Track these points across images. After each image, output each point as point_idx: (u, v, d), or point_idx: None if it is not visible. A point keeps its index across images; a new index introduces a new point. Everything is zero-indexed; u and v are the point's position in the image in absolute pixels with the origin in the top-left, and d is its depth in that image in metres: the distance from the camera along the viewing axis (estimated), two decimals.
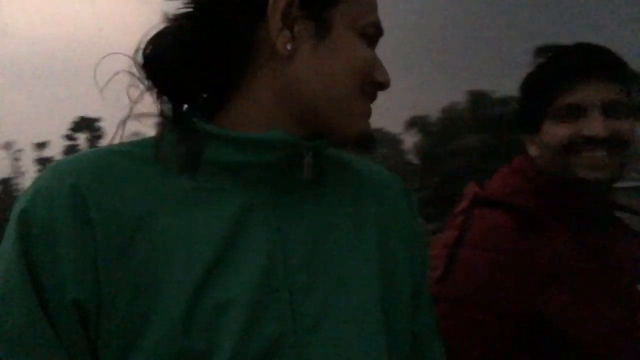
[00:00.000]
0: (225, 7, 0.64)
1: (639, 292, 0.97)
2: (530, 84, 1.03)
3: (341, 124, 0.68)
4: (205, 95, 0.70)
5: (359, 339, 0.66)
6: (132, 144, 0.65)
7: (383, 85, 0.71)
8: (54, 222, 0.57)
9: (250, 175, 0.65)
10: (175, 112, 0.66)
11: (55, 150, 40.91)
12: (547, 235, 0.93)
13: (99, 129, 40.23)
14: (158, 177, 0.63)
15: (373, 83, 0.70)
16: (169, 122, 0.66)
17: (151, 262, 0.59)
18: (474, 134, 24.50)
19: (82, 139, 41.03)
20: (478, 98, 26.08)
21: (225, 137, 0.64)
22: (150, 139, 0.66)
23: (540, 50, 1.03)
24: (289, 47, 0.65)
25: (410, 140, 30.94)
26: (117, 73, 0.65)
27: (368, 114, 0.71)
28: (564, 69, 0.96)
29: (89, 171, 0.60)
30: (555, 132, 0.96)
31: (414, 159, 30.35)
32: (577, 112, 0.94)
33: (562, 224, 0.95)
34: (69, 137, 41.53)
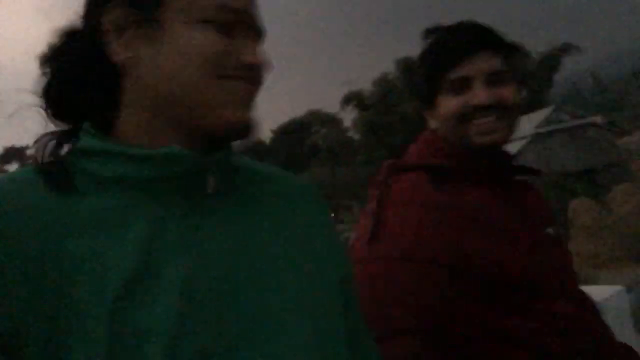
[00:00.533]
0: (81, 32, 0.66)
1: (548, 235, 1.09)
2: (422, 63, 1.11)
3: (206, 119, 0.65)
4: (98, 113, 0.67)
5: (290, 348, 0.63)
6: (27, 170, 0.63)
7: (252, 66, 0.67)
8: None
9: (155, 191, 0.63)
10: (67, 133, 0.66)
11: None
12: (461, 188, 1.02)
13: (30, 156, 35.69)
14: (61, 201, 0.60)
15: (237, 66, 0.66)
16: (65, 143, 0.65)
17: (64, 288, 0.56)
18: (409, 102, 24.43)
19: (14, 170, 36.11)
20: (407, 65, 25.88)
21: (120, 153, 0.62)
22: (48, 163, 0.63)
23: (429, 31, 1.12)
24: (124, 56, 0.65)
25: (348, 117, 31.17)
26: (21, 107, 0.65)
27: (238, 100, 0.66)
28: (449, 47, 1.06)
29: None
30: (448, 104, 1.05)
31: (355, 135, 31.94)
32: (465, 84, 1.04)
33: (472, 181, 1.05)
34: (0, 171, 35.95)
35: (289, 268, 0.69)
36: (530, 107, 23.19)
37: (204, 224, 0.66)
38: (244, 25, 0.69)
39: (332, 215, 0.86)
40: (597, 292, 1.79)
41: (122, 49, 0.66)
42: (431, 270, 0.95)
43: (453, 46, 1.07)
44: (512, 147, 20.88)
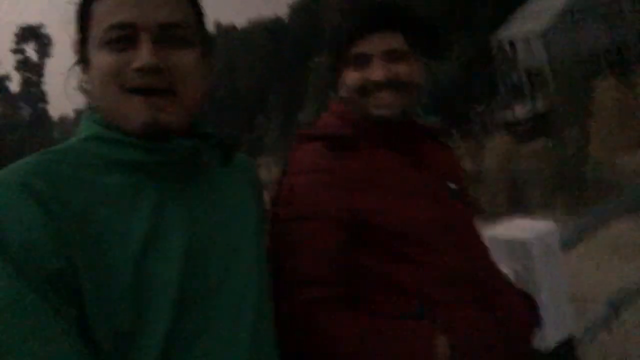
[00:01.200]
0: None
1: (450, 190, 1.20)
2: (330, 38, 1.22)
3: (122, 123, 0.80)
4: None
5: (248, 296, 0.86)
6: (58, 150, 0.79)
7: (141, 69, 0.78)
8: (23, 214, 0.68)
9: (156, 170, 0.81)
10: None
11: (7, 68, 38.01)
12: (360, 154, 1.12)
13: (45, 35, 37.92)
14: (86, 175, 0.77)
15: (132, 75, 0.78)
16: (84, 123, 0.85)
17: (98, 245, 0.73)
18: None
19: (31, 49, 39.17)
20: None
21: (130, 143, 0.80)
22: (71, 145, 0.81)
23: (340, 10, 1.31)
24: (85, 84, 0.84)
25: None
26: None
27: (145, 107, 0.79)
28: (351, 24, 1.15)
29: (33, 172, 0.73)
30: (350, 77, 1.14)
31: None
32: (365, 60, 1.12)
33: (376, 144, 1.15)
34: (18, 51, 39.34)
35: (243, 229, 0.92)
36: None
37: (193, 196, 0.86)
38: (138, 34, 0.80)
39: None
40: (528, 227, 1.86)
41: (83, 80, 0.86)
42: (324, 225, 1.07)
43: (354, 24, 1.16)
44: (539, 25, 20.31)
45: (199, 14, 0.89)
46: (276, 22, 40.33)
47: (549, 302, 1.77)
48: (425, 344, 1.07)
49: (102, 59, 0.80)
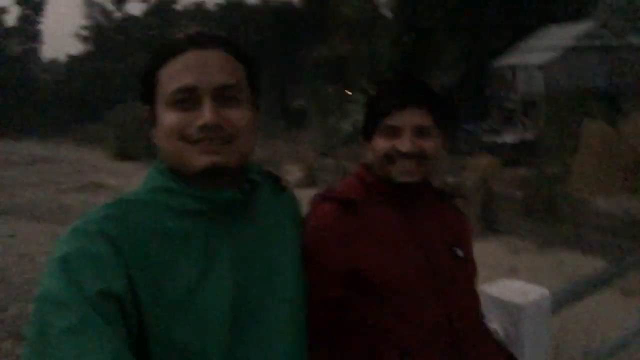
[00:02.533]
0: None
1: (454, 255, 1.34)
2: (367, 108, 1.36)
3: (186, 167, 0.95)
4: None
5: (285, 328, 1.02)
6: (129, 200, 0.95)
7: (203, 127, 0.92)
8: (93, 249, 0.84)
9: (209, 215, 0.96)
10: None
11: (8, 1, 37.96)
12: (366, 216, 1.28)
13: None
14: (152, 220, 0.92)
15: (197, 131, 0.92)
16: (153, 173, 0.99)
17: (159, 280, 0.88)
18: None
19: None
20: None
21: (191, 194, 0.95)
22: (139, 196, 0.96)
23: (378, 82, 1.53)
24: (154, 138, 0.99)
25: None
26: None
27: (204, 152, 0.93)
28: (385, 99, 1.30)
29: (107, 220, 0.88)
30: (380, 144, 1.29)
31: (387, 13, 31.16)
32: (395, 132, 1.27)
33: (384, 205, 1.31)
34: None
35: (284, 268, 1.07)
36: (576, 14, 22.05)
37: (239, 235, 1.00)
38: (200, 96, 0.94)
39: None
40: (523, 290, 2.00)
41: (152, 136, 1.00)
42: (329, 274, 1.22)
43: (388, 99, 1.30)
44: (543, 57, 20.53)
45: (251, 77, 1.04)
46: (286, 4, 39.98)
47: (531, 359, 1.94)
48: None
49: (169, 117, 0.94)
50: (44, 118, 29.39)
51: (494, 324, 1.87)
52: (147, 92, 0.99)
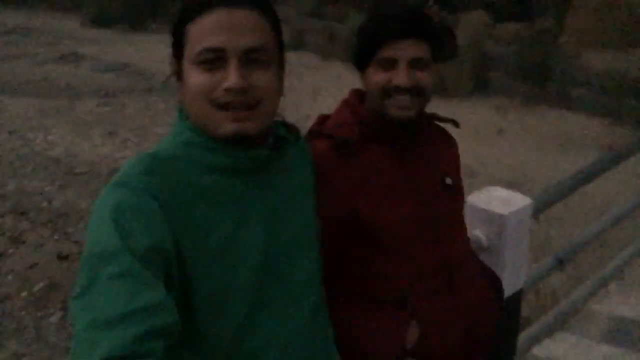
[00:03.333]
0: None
1: (444, 184, 1.35)
2: (360, 36, 1.28)
3: (211, 131, 0.98)
4: None
5: (311, 278, 1.11)
6: (164, 156, 0.98)
7: (229, 90, 0.94)
8: (141, 205, 0.88)
9: (239, 171, 1.01)
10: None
11: None
12: (360, 156, 1.25)
13: None
14: (188, 175, 0.96)
15: (223, 94, 0.94)
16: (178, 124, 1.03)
17: (198, 230, 0.93)
18: None
19: None
20: None
21: (223, 150, 0.98)
22: (171, 149, 1.00)
23: (371, 10, 1.31)
24: (179, 93, 1.02)
25: None
26: None
27: (231, 120, 0.96)
28: (381, 28, 1.23)
29: (150, 174, 0.92)
30: (374, 78, 1.25)
31: None
32: (391, 64, 1.22)
33: (378, 145, 1.27)
34: None
35: (308, 217, 1.14)
36: None
37: (270, 188, 1.05)
38: (227, 58, 0.94)
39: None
40: (506, 199, 2.09)
41: (178, 91, 1.03)
42: (326, 217, 1.21)
43: (384, 29, 1.23)
44: None
45: (278, 36, 1.03)
46: None
47: (511, 263, 2.09)
48: (399, 329, 1.24)
49: (195, 77, 0.96)
50: None
51: (477, 231, 1.98)
52: (176, 47, 0.99)
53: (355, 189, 1.26)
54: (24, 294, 4.64)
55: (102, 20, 16.82)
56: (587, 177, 2.84)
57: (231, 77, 0.93)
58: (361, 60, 1.30)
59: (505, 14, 11.43)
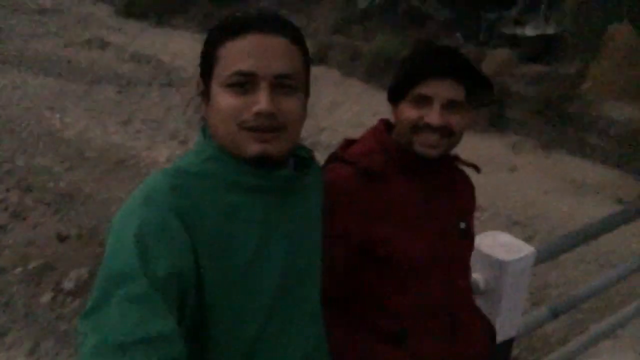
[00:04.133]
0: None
1: (459, 229, 1.34)
2: (399, 70, 1.29)
3: (236, 151, 0.98)
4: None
5: (314, 300, 1.12)
6: (189, 172, 0.98)
7: (258, 114, 0.94)
8: (165, 226, 0.87)
9: (262, 191, 1.00)
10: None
11: None
12: (382, 186, 1.24)
13: None
14: (213, 193, 0.96)
15: (252, 117, 0.95)
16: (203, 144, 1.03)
17: (220, 251, 0.94)
18: None
19: None
20: None
21: (246, 171, 0.98)
22: (196, 166, 0.99)
23: (413, 45, 1.61)
24: (204, 112, 1.03)
25: None
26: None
27: (257, 141, 0.96)
28: (421, 65, 1.23)
29: (175, 191, 0.92)
30: (407, 113, 1.24)
31: None
32: (425, 101, 1.21)
33: (402, 177, 1.27)
34: None
35: (315, 242, 1.13)
36: None
37: (290, 210, 1.05)
38: (258, 82, 0.94)
39: None
40: (508, 245, 2.08)
41: (203, 110, 1.04)
42: (339, 245, 1.21)
43: (425, 65, 1.23)
44: None
45: (307, 64, 1.04)
46: None
47: (505, 309, 2.07)
48: None
49: (224, 98, 0.96)
50: None
51: (477, 275, 1.97)
52: (205, 67, 0.99)
53: (374, 217, 1.24)
54: (19, 270, 4.62)
55: (131, 12, 16.99)
56: (595, 233, 2.81)
57: (262, 101, 0.94)
58: (397, 92, 1.29)
59: (531, 55, 11.46)
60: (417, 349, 1.25)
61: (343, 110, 10.60)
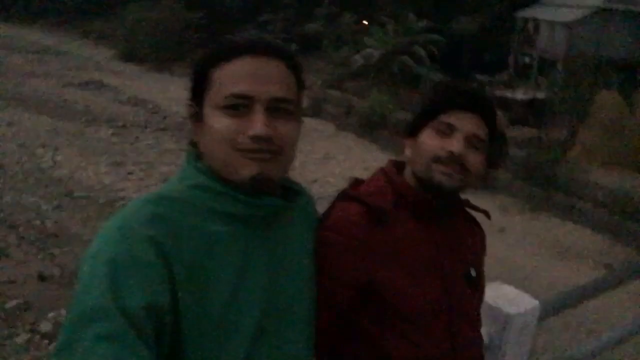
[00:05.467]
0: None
1: (469, 277, 1.30)
2: (423, 104, 1.29)
3: (231, 175, 0.94)
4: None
5: (305, 329, 1.06)
6: (170, 198, 0.93)
7: (254, 138, 0.91)
8: (139, 258, 0.82)
9: (247, 221, 0.96)
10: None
11: None
12: (392, 228, 1.20)
13: None
14: (194, 221, 0.91)
15: (247, 140, 0.91)
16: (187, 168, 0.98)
17: (199, 283, 0.88)
18: None
19: None
20: None
21: (233, 197, 0.94)
22: (179, 193, 0.94)
23: (435, 85, 1.38)
24: (195, 137, 0.98)
25: None
26: None
27: (253, 162, 0.93)
28: (455, 95, 1.24)
29: (153, 223, 0.87)
30: (428, 141, 1.22)
31: None
32: (449, 131, 1.21)
33: (411, 219, 1.23)
34: None
35: (304, 273, 1.08)
36: None
37: (273, 241, 1.01)
38: (253, 105, 0.92)
39: None
40: (513, 298, 2.01)
41: (194, 133, 0.99)
42: (341, 287, 1.17)
43: (458, 96, 1.23)
44: (569, 15, 19.91)
45: (301, 89, 1.01)
46: None
47: None
48: None
49: (219, 121, 0.93)
50: (56, 7, 28.64)
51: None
52: (197, 89, 0.97)
53: (380, 259, 1.20)
54: None
55: (131, 56, 17.28)
56: (592, 292, 2.80)
57: (257, 125, 0.91)
58: (419, 121, 1.27)
59: (520, 119, 11.71)
60: None
61: (335, 163, 10.66)
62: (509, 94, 19.58)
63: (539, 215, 9.26)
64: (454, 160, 1.21)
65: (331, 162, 10.69)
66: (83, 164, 8.12)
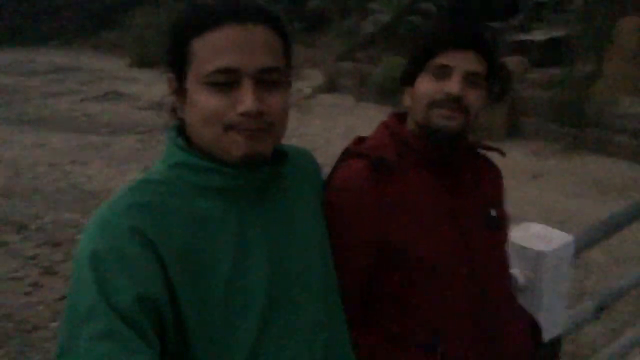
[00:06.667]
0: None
1: (489, 218, 1.27)
2: (414, 48, 1.25)
3: (222, 154, 0.90)
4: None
5: (320, 299, 1.01)
6: (153, 181, 0.90)
7: (245, 114, 0.87)
8: (123, 251, 0.79)
9: (237, 193, 0.92)
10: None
11: None
12: (398, 178, 1.17)
13: None
14: (180, 202, 0.88)
15: (237, 117, 0.87)
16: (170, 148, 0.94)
17: (194, 269, 0.85)
18: None
19: None
20: None
21: (217, 170, 0.90)
22: (161, 174, 0.92)
23: (436, 18, 1.61)
24: (179, 111, 0.94)
25: None
26: None
27: (245, 141, 0.88)
28: (443, 35, 1.19)
29: (138, 212, 0.83)
30: (424, 86, 1.19)
31: None
32: (445, 72, 1.16)
33: (418, 170, 1.20)
34: None
35: (313, 237, 1.04)
36: None
37: (270, 214, 0.97)
38: (241, 79, 0.87)
39: None
40: (546, 236, 1.95)
41: (177, 106, 0.96)
42: (355, 246, 1.16)
43: (446, 35, 1.18)
44: None
45: (289, 53, 0.97)
46: None
47: (549, 305, 1.93)
48: None
49: (204, 98, 0.89)
50: (63, 25, 29.08)
51: (514, 269, 1.88)
52: (176, 61, 0.90)
53: (389, 214, 1.18)
54: (54, 324, 4.66)
55: (143, 62, 17.38)
56: (628, 218, 2.73)
57: (247, 101, 0.87)
58: (413, 68, 1.25)
59: (541, 60, 11.40)
60: (452, 355, 1.18)
61: (359, 135, 10.62)
62: (525, 37, 19.09)
63: (573, 155, 9.05)
64: (453, 101, 1.18)
65: (354, 134, 10.65)
66: (113, 174, 8.28)
